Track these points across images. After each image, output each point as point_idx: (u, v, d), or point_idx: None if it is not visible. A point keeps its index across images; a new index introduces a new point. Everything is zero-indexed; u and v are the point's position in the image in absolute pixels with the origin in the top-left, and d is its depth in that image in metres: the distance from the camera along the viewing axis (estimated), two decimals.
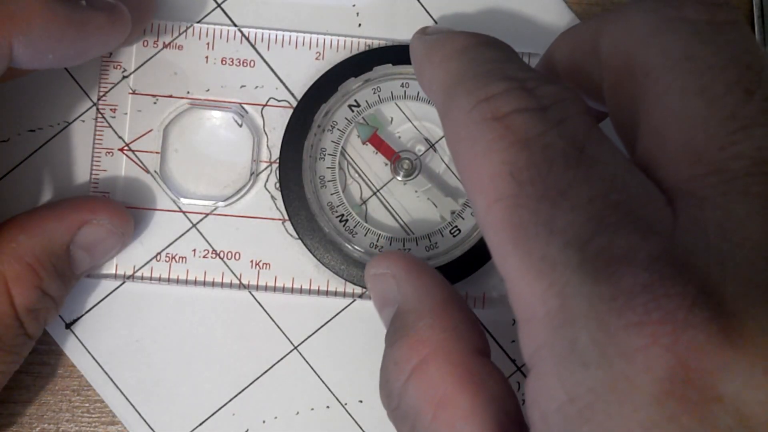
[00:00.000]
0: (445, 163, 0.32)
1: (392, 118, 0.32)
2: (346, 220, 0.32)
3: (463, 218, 0.32)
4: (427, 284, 0.25)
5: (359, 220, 0.32)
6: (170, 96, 0.32)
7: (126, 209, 0.31)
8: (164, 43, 0.32)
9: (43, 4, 0.26)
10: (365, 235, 0.32)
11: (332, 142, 0.32)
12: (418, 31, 0.27)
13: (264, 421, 0.32)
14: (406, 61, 0.30)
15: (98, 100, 0.32)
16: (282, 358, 0.32)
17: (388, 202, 0.32)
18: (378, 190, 0.32)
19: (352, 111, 0.32)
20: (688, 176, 0.19)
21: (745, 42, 0.21)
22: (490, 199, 0.20)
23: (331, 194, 0.32)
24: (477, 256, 0.31)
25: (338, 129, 0.32)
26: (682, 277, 0.18)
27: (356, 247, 0.31)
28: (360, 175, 0.32)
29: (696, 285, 0.17)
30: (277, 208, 0.32)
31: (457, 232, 0.32)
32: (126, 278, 0.32)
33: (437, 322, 0.24)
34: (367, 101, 0.32)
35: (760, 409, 0.17)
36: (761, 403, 0.17)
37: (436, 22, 0.33)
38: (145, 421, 0.32)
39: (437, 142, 0.32)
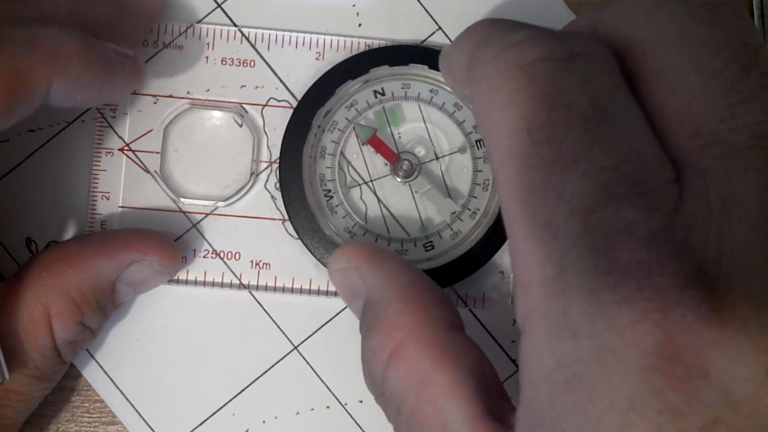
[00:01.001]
0: (445, 165, 0.32)
1: (392, 119, 0.32)
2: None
3: (462, 219, 0.32)
4: (390, 271, 0.25)
5: (358, 220, 0.32)
6: (170, 96, 0.32)
7: (177, 248, 0.31)
8: (164, 43, 0.32)
9: (82, 47, 0.26)
10: (364, 235, 0.32)
11: (332, 142, 0.32)
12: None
13: (264, 421, 0.32)
14: (406, 61, 0.30)
15: None
16: (282, 358, 0.32)
17: (387, 203, 0.32)
18: (377, 191, 0.32)
19: (352, 111, 0.32)
20: (689, 148, 0.19)
21: (740, 22, 0.21)
22: (503, 155, 0.20)
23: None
24: (476, 257, 0.31)
25: (338, 129, 0.32)
26: (678, 256, 0.18)
27: None
28: (360, 175, 0.32)
29: (691, 264, 0.18)
30: (277, 208, 0.32)
31: (457, 233, 0.32)
32: None
33: (406, 306, 0.24)
34: (367, 102, 0.32)
35: (746, 385, 0.17)
36: (748, 380, 0.17)
37: (436, 22, 0.33)
38: (145, 421, 0.32)
39: (437, 142, 0.32)
